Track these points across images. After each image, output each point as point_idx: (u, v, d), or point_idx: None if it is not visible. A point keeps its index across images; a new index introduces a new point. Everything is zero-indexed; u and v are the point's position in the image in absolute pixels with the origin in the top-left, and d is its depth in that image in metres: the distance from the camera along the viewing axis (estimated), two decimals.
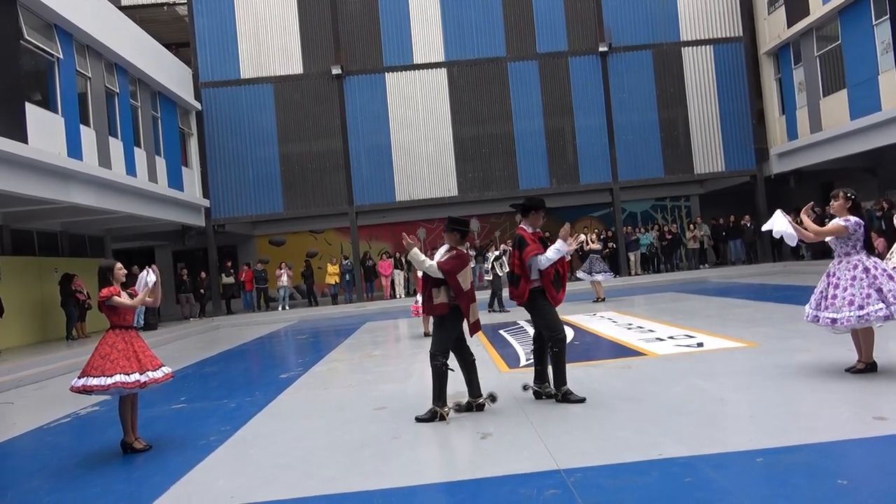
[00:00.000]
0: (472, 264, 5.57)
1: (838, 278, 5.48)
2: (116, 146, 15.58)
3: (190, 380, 9.10)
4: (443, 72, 21.76)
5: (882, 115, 16.42)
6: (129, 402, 5.26)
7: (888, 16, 16.21)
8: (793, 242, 6.02)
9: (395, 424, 5.37)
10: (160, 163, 18.20)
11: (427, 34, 21.73)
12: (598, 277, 14.74)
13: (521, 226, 5.76)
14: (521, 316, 13.11)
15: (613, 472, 3.81)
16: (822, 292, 5.64)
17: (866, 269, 5.39)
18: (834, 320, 5.40)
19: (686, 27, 21.95)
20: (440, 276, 5.29)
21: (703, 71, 21.99)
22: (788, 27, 20.17)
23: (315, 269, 23.02)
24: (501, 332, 10.95)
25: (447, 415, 5.32)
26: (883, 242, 16.34)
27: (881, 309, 5.20)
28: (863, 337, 5.54)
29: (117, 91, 16.00)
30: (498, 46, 21.73)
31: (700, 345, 7.86)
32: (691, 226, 22.82)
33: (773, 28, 21.20)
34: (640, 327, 9.95)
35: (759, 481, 3.58)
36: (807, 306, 5.82)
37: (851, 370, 5.61)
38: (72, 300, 14.64)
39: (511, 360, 8.09)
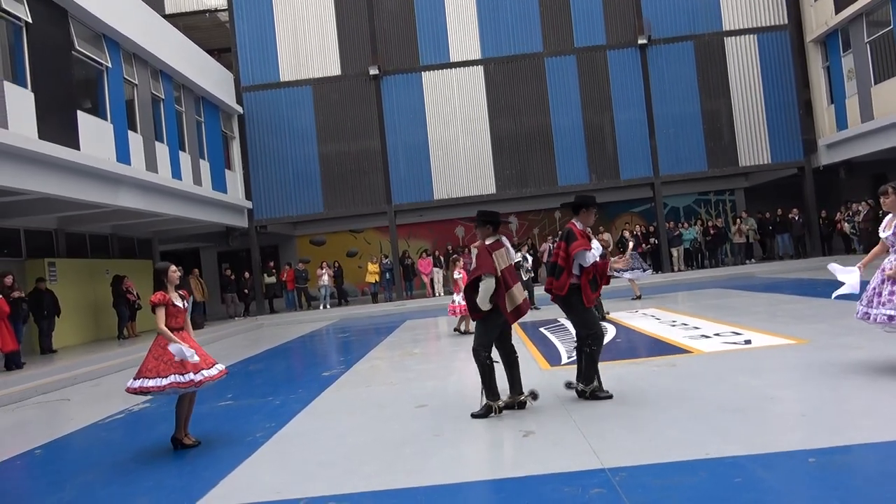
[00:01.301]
0: (508, 251, 5.46)
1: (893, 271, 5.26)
2: (162, 150, 16.02)
3: (236, 377, 9.31)
4: (479, 69, 21.72)
5: None
6: (186, 400, 5.41)
7: None
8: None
9: (437, 422, 5.38)
10: (204, 166, 18.65)
11: (463, 31, 21.71)
12: (627, 276, 14.28)
13: (573, 221, 5.71)
14: (559, 314, 13.00)
15: (660, 471, 3.75)
16: (874, 288, 5.43)
17: None
18: (891, 317, 5.20)
19: (728, 16, 21.40)
20: (491, 284, 5.19)
21: (747, 61, 21.41)
22: (836, 13, 19.47)
23: (355, 268, 23.29)
24: (542, 329, 10.88)
25: (500, 409, 5.31)
26: None
27: None
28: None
29: (162, 97, 16.45)
30: (535, 42, 21.57)
31: (748, 342, 7.67)
32: (737, 220, 22.26)
33: (820, 15, 20.50)
34: (685, 324, 9.76)
35: (811, 482, 3.48)
36: (858, 303, 5.61)
37: None
38: (123, 300, 15.12)
39: (552, 357, 8.03)
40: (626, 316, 11.61)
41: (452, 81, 21.75)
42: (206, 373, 5.27)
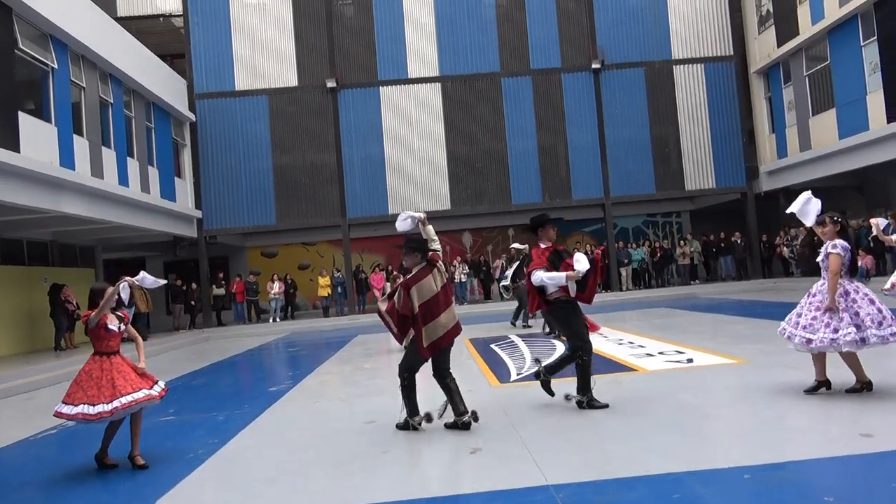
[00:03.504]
0: (437, 275, 5.46)
1: (820, 300, 5.50)
2: (109, 156, 15.56)
3: (179, 392, 9.04)
4: (437, 86, 21.90)
5: (869, 134, 16.64)
6: (118, 423, 5.18)
7: (876, 37, 16.48)
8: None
9: (385, 438, 5.35)
10: (153, 173, 18.19)
11: (422, 48, 21.89)
12: None
13: (537, 243, 5.91)
14: (514, 331, 13.11)
15: (602, 487, 3.82)
16: (798, 312, 5.66)
17: (846, 293, 5.43)
18: (809, 340, 5.44)
19: (678, 46, 22.21)
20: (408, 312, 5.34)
21: (695, 89, 22.23)
22: (778, 47, 20.45)
23: (307, 281, 23.00)
24: (493, 346, 10.95)
25: (419, 425, 5.45)
26: (871, 260, 16.49)
27: (851, 334, 5.24)
28: (847, 359, 5.54)
29: (111, 101, 16.01)
30: (492, 62, 21.91)
31: (690, 361, 7.89)
32: (682, 242, 22.96)
33: (764, 48, 21.50)
34: (631, 342, 9.99)
35: (746, 498, 3.60)
36: (783, 322, 5.84)
37: (851, 390, 5.57)
38: (61, 310, 14.54)
39: (502, 375, 8.09)
40: None
41: (410, 97, 21.86)
42: (123, 399, 4.94)
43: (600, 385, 6.89)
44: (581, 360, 5.74)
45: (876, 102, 16.64)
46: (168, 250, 22.21)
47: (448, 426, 5.42)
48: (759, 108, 22.31)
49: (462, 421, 5.35)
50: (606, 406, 5.70)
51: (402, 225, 5.74)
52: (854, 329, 5.26)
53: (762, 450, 4.30)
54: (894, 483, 3.62)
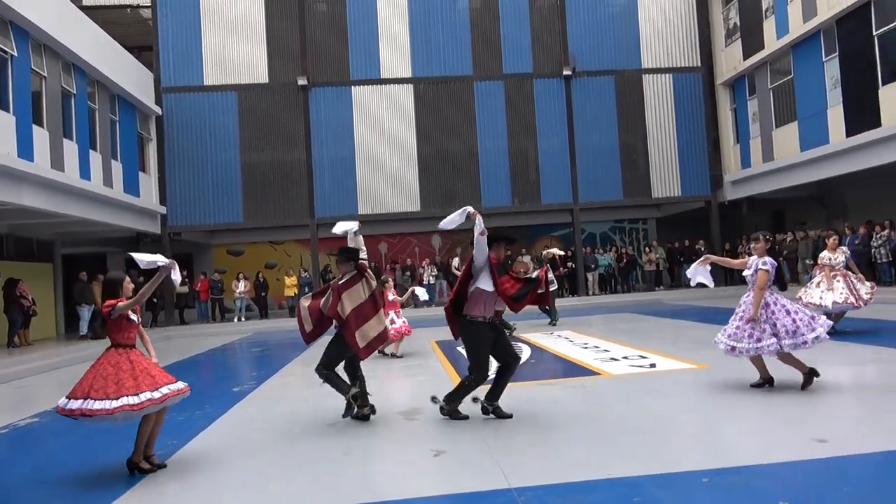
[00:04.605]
0: (366, 284, 5.75)
1: (744, 311, 6.07)
2: (71, 148, 15.15)
3: None
4: (410, 87, 21.86)
5: (830, 147, 17.12)
6: (151, 420, 4.82)
7: (837, 53, 16.98)
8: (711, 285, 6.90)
9: (348, 440, 5.31)
10: (116, 167, 17.77)
11: (395, 49, 21.82)
12: None
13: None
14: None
15: (563, 491, 3.84)
16: (730, 321, 6.22)
17: (767, 305, 5.98)
18: (733, 348, 6.07)
19: (647, 55, 22.55)
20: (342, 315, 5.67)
21: (663, 98, 22.60)
22: (744, 59, 20.93)
23: (273, 280, 22.71)
24: (459, 348, 10.93)
25: (365, 412, 5.91)
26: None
27: (773, 343, 5.88)
28: (784, 359, 6.06)
29: (74, 92, 15.60)
30: (465, 65, 21.96)
31: (653, 365, 8.00)
32: (647, 248, 23.29)
33: (730, 60, 21.97)
34: (596, 347, 10.09)
35: (703, 500, 3.66)
36: (720, 332, 6.35)
37: (755, 385, 6.21)
38: (16, 306, 14.11)
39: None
40: (540, 337, 11.88)
41: (382, 98, 21.77)
42: (172, 386, 4.71)
43: (565, 388, 6.95)
44: (468, 382, 5.67)
45: (836, 116, 17.13)
46: (131, 246, 21.70)
47: (352, 417, 5.89)
48: (725, 118, 22.79)
49: (363, 413, 5.89)
50: (466, 418, 5.65)
51: (339, 228, 6.20)
52: (774, 339, 5.89)
53: (720, 454, 4.38)
54: (846, 487, 3.72)
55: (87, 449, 5.59)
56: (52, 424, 6.66)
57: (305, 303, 5.94)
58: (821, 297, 8.99)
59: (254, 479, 4.48)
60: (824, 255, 9.38)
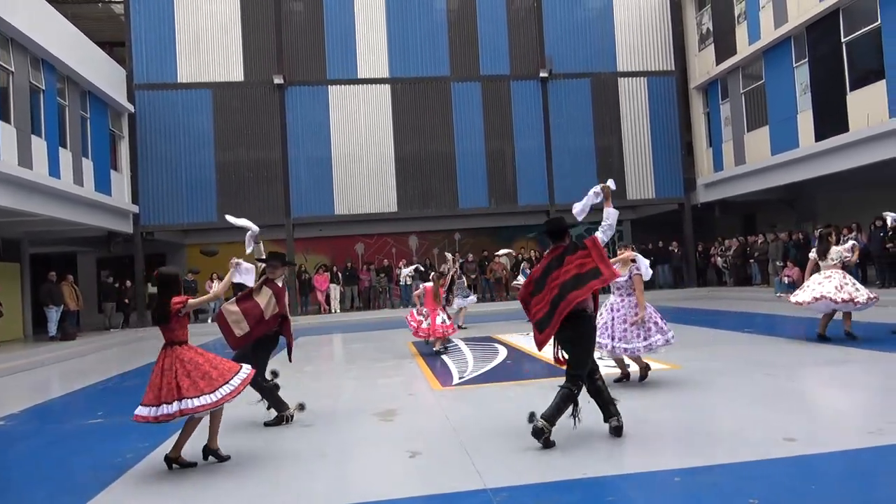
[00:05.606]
0: (266, 295, 5.89)
1: (624, 315, 6.70)
2: (39, 145, 14.83)
3: (109, 393, 8.67)
4: (386, 88, 21.81)
5: (800, 151, 17.47)
6: (220, 411, 4.88)
7: (807, 59, 17.34)
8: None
9: (323, 441, 5.28)
10: (87, 165, 17.43)
11: (372, 49, 21.76)
12: (458, 303, 13.98)
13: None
14: (459, 335, 13.12)
15: (539, 491, 3.86)
16: (605, 324, 6.70)
17: (611, 307, 6.74)
18: (626, 349, 6.66)
19: (623, 59, 22.80)
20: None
21: (638, 101, 22.86)
22: (717, 64, 21.27)
23: None
24: (436, 348, 10.92)
25: (291, 417, 5.99)
26: (798, 272, 17.31)
27: (660, 339, 6.68)
28: (632, 358, 6.82)
29: (43, 88, 15.27)
30: (442, 66, 21.98)
31: (627, 366, 8.06)
32: (620, 250, 23.47)
33: (703, 64, 22.31)
34: None
35: (675, 500, 3.71)
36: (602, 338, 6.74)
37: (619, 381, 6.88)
38: None
39: (445, 378, 8.09)
40: (516, 338, 11.92)
41: (359, 97, 21.69)
42: (241, 374, 4.89)
43: (541, 389, 6.98)
44: (573, 390, 4.86)
45: (806, 121, 17.49)
46: (102, 246, 21.31)
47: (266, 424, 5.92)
48: (698, 122, 23.14)
49: (290, 414, 6.03)
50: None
51: (238, 222, 6.54)
52: (661, 335, 6.71)
53: (692, 453, 4.44)
54: (814, 485, 3.81)
55: (59, 452, 5.47)
56: (23, 426, 6.51)
57: (233, 307, 5.75)
58: (827, 292, 8.51)
59: (227, 481, 4.43)
60: (835, 251, 8.83)
